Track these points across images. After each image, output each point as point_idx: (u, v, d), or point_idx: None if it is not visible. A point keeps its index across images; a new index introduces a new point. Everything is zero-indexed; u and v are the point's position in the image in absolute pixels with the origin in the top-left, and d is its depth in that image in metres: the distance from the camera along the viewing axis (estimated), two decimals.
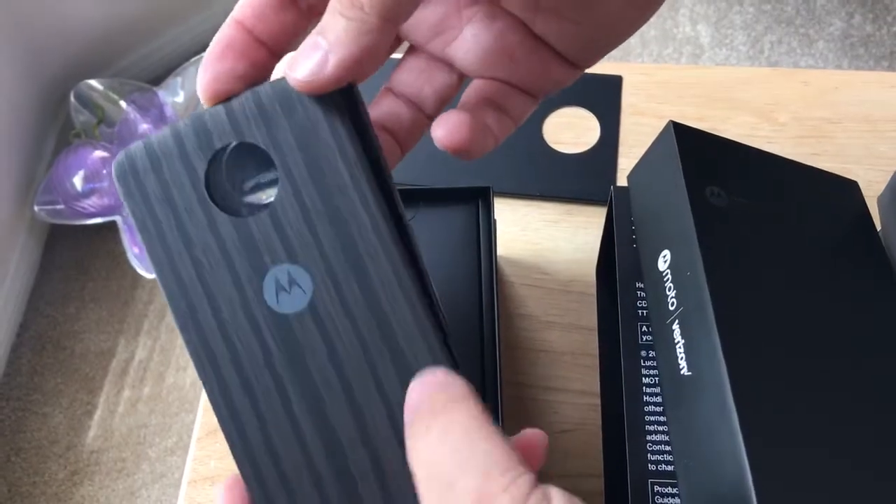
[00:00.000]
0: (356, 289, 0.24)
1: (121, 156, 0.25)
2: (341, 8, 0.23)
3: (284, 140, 0.25)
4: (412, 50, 0.31)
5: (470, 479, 0.20)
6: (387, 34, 0.23)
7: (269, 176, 0.25)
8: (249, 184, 0.25)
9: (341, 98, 0.25)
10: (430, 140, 0.56)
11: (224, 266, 0.25)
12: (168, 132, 0.25)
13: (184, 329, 0.25)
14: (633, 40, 1.54)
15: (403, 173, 0.53)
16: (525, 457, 0.21)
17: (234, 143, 0.25)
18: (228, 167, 0.25)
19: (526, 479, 0.20)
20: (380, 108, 0.30)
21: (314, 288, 0.25)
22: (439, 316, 0.26)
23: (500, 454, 0.20)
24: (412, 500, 0.23)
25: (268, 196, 0.25)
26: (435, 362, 0.24)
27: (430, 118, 0.31)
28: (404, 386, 0.24)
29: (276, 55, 0.27)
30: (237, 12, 0.26)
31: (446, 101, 0.31)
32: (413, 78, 0.30)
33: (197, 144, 0.25)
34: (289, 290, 0.25)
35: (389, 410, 0.24)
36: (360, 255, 0.24)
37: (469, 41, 0.29)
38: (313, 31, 0.24)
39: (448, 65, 0.30)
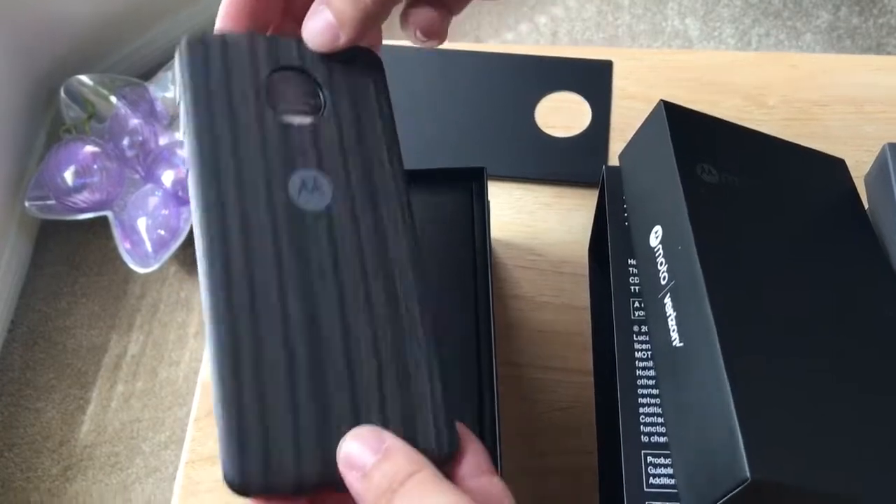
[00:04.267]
0: (367, 206, 0.28)
1: (194, 34, 0.28)
2: None
3: (337, 81, 0.30)
4: None
5: None
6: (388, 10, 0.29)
7: (312, 103, 0.29)
8: (297, 105, 0.29)
9: (380, 66, 0.31)
10: (426, 125, 0.56)
11: (260, 152, 0.27)
12: (244, 35, 0.29)
13: (205, 195, 0.26)
14: (622, 34, 1.55)
15: None
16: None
17: (297, 66, 0.29)
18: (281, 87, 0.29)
19: None
20: None
21: (332, 196, 0.27)
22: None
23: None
24: (375, 397, 0.26)
25: (307, 119, 0.29)
26: (418, 285, 0.28)
27: None
28: (388, 298, 0.27)
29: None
30: None
31: None
32: None
33: (267, 52, 0.29)
34: (311, 191, 0.27)
35: (370, 316, 0.27)
36: (375, 183, 0.29)
37: None
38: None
39: None
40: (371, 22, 0.29)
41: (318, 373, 0.25)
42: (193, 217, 0.26)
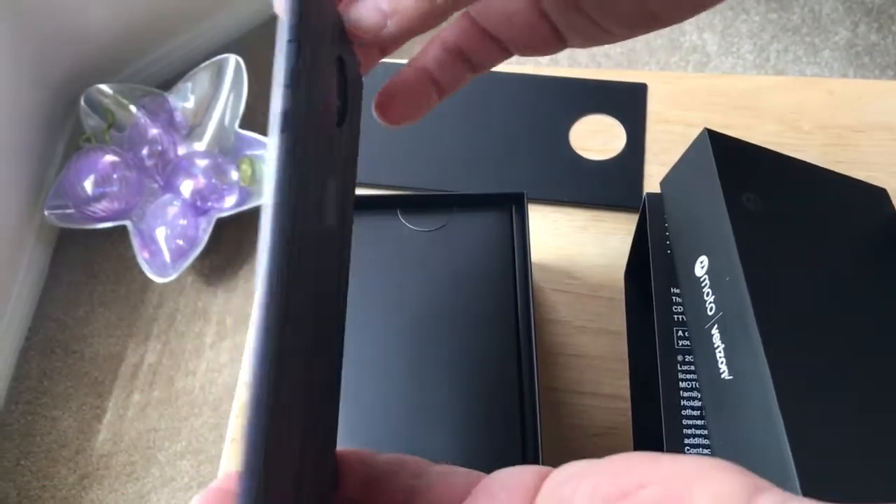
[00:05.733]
0: (339, 234, 0.27)
1: None
2: None
3: (352, 88, 0.26)
4: None
5: None
6: (448, 15, 0.25)
7: (338, 104, 0.26)
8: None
9: (361, 86, 0.29)
10: (461, 147, 0.56)
11: (317, 142, 0.23)
12: None
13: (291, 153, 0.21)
14: (640, 48, 1.55)
15: (435, 179, 0.54)
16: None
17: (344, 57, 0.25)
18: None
19: None
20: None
21: (335, 215, 0.26)
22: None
23: None
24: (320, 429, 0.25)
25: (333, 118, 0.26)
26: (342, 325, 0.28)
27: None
28: (337, 334, 0.27)
29: None
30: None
31: None
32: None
33: (339, 28, 0.25)
34: (332, 203, 0.25)
35: (333, 351, 0.27)
36: (346, 209, 0.27)
37: None
38: None
39: None
40: (435, 18, 0.25)
41: (311, 402, 0.24)
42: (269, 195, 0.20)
